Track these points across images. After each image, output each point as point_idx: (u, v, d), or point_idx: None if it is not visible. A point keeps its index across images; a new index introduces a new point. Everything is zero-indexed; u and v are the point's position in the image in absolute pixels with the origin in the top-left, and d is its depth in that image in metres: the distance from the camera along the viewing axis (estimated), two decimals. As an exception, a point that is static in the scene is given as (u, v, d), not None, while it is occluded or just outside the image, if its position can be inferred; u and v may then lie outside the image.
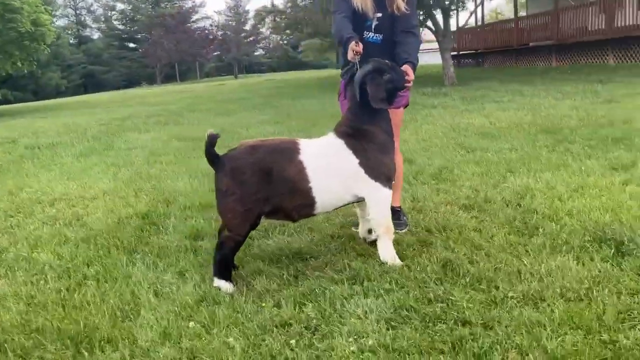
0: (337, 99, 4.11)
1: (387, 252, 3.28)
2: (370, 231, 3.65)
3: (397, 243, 3.47)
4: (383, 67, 3.26)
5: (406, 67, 3.43)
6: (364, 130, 3.27)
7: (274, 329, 2.64)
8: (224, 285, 3.13)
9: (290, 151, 3.22)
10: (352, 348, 2.38)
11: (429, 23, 15.80)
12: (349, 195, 3.30)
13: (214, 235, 4.00)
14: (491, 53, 25.00)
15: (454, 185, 4.92)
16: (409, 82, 3.40)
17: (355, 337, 2.48)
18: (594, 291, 2.70)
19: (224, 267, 3.16)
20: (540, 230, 3.58)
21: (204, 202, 4.88)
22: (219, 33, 60.05)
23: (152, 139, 9.19)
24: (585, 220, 3.66)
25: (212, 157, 3.16)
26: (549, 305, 2.62)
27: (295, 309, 2.79)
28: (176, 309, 2.91)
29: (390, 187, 3.30)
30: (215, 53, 61.32)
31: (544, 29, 20.83)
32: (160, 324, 2.76)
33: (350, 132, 3.28)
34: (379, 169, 3.26)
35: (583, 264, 3.01)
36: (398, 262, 3.25)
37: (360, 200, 3.39)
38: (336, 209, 3.46)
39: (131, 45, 64.78)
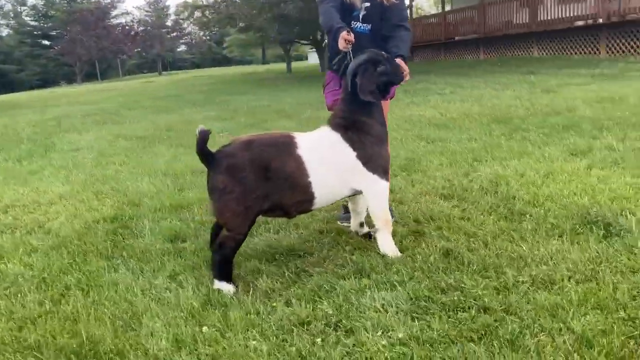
0: (322, 91, 4.05)
1: (387, 244, 3.26)
2: (362, 224, 3.63)
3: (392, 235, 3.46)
4: (378, 59, 3.23)
5: (399, 61, 3.41)
6: (360, 122, 3.23)
7: (293, 328, 2.56)
8: (226, 287, 3.01)
9: (287, 145, 3.14)
10: (382, 342, 2.34)
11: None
12: (347, 189, 3.26)
13: (196, 236, 3.87)
14: (420, 47, 25.59)
15: (425, 176, 4.98)
16: (405, 75, 3.38)
17: (382, 330, 2.45)
18: (599, 272, 2.79)
19: (225, 268, 3.04)
20: (527, 216, 3.68)
21: (174, 202, 4.69)
22: (140, 29, 58.18)
23: (96, 139, 8.76)
24: (566, 204, 3.79)
25: (206, 155, 3.03)
26: (560, 287, 2.68)
27: (309, 307, 2.72)
28: (182, 314, 2.77)
29: (387, 179, 3.29)
30: (137, 50, 59.34)
31: (471, 23, 21.56)
32: (170, 331, 2.62)
33: (346, 124, 3.23)
34: (377, 161, 3.23)
35: (580, 246, 3.11)
36: (398, 254, 3.24)
37: (357, 194, 3.36)
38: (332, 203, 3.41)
39: (45, 42, 61.47)
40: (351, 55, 3.31)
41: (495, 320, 2.44)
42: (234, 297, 2.91)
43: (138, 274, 3.33)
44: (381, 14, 3.62)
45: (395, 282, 2.88)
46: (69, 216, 4.60)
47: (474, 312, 2.54)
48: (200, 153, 3.01)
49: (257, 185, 3.01)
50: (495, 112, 7.87)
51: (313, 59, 45.60)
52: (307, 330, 2.54)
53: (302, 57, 62.88)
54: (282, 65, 36.60)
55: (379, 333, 2.42)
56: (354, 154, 3.18)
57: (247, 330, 2.58)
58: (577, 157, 5.14)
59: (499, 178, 4.60)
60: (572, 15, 16.20)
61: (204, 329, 2.61)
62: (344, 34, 3.29)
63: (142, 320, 2.76)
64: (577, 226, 3.39)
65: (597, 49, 15.42)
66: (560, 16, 16.63)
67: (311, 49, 28.51)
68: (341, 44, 3.30)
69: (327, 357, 2.31)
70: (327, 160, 3.15)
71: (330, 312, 2.65)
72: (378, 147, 3.25)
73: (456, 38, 22.89)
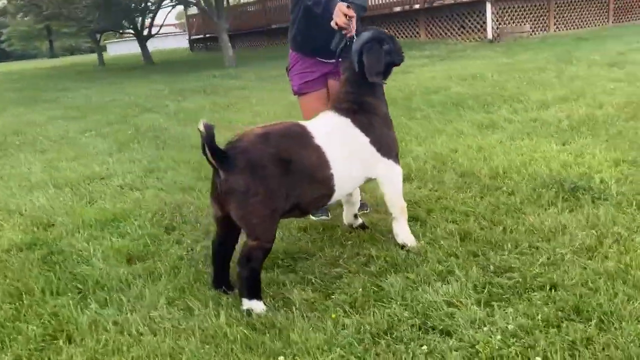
0: (287, 74, 3.69)
1: (406, 233, 3.09)
2: (356, 216, 3.39)
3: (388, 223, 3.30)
4: (382, 37, 3.00)
5: (340, 5, 2.99)
6: (367, 104, 2.99)
7: (380, 340, 2.27)
8: (257, 306, 2.59)
9: (303, 136, 2.79)
10: (497, 337, 2.17)
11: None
12: (362, 179, 3.01)
13: (155, 253, 3.31)
14: (241, 35, 25.26)
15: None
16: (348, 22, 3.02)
17: (481, 324, 2.28)
18: (622, 236, 2.91)
19: (255, 284, 2.61)
20: (504, 189, 3.75)
21: (100, 217, 3.96)
22: None
23: None
24: (531, 174, 3.94)
25: (218, 153, 2.55)
26: (602, 253, 2.74)
27: (378, 313, 2.44)
28: (236, 346, 2.30)
29: (399, 164, 3.09)
30: None
31: (286, 11, 21.73)
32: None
33: (354, 108, 2.96)
34: (390, 145, 3.03)
35: (580, 212, 3.23)
36: (415, 242, 3.08)
37: (367, 182, 3.12)
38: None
39: None
40: (353, 34, 3.02)
41: (579, 296, 2.41)
42: (279, 317, 2.49)
43: (124, 308, 2.72)
44: None
45: (444, 273, 2.72)
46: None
47: (547, 291, 2.48)
48: (211, 151, 2.53)
49: (280, 183, 2.62)
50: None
51: (113, 50, 42.71)
52: (396, 338, 2.27)
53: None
54: (80, 58, 33.74)
55: (485, 328, 2.24)
56: (367, 139, 2.93)
57: (330, 352, 2.22)
58: (487, 130, 5.42)
59: (439, 156, 4.65)
60: (392, 0, 17.21)
61: (280, 359, 2.19)
62: (342, 7, 2.98)
63: (182, 362, 2.24)
64: (560, 194, 3.52)
65: (418, 33, 16.60)
66: (382, 1, 17.56)
67: (118, 39, 26.61)
68: (341, 20, 2.99)
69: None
70: (343, 149, 2.85)
71: (407, 314, 2.41)
72: (387, 129, 3.04)
73: (274, 26, 22.97)
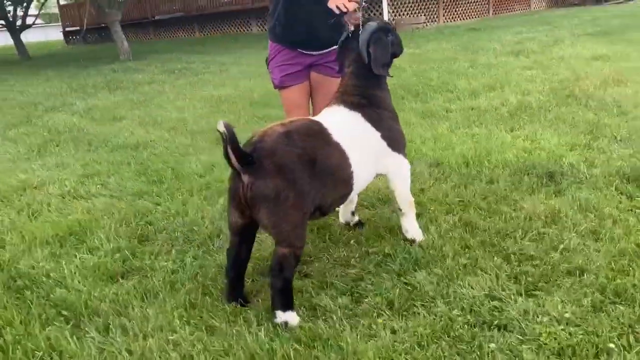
0: (267, 66, 3.49)
1: (415, 229, 3.03)
2: (353, 213, 3.29)
3: (387, 219, 3.24)
4: (387, 27, 2.91)
5: None
6: (376, 97, 2.89)
7: (435, 341, 2.20)
8: (292, 317, 2.41)
9: (323, 133, 2.64)
10: (560, 327, 2.18)
11: None
12: (373, 175, 2.91)
13: (140, 269, 3.03)
14: (126, 26, 23.89)
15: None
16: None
17: (536, 315, 2.28)
18: (619, 218, 3.05)
19: (289, 295, 2.43)
20: (482, 178, 3.81)
21: (56, 232, 3.52)
22: None
23: None
24: (500, 161, 4.05)
25: (244, 156, 2.34)
26: (611, 237, 2.85)
27: (421, 313, 2.36)
28: (291, 364, 2.12)
29: (407, 158, 3.02)
30: None
31: (172, 0, 21.01)
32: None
33: (363, 102, 2.85)
34: (398, 139, 2.95)
35: (570, 198, 3.35)
36: (422, 236, 3.03)
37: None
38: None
39: None
40: (360, 22, 2.89)
41: (608, 278, 2.49)
42: (322, 326, 2.34)
43: (130, 333, 2.43)
44: None
45: (469, 266, 2.70)
46: None
47: (577, 276, 2.54)
48: (236, 153, 2.30)
49: (308, 184, 2.45)
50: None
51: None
52: (456, 338, 2.21)
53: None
54: None
55: (540, 319, 2.24)
56: (378, 134, 2.84)
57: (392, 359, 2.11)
58: (432, 120, 5.52)
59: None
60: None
61: (350, 373, 2.05)
62: None
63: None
64: (543, 180, 3.64)
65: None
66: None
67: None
68: (351, 5, 2.85)
69: (520, 355, 2.05)
70: (358, 145, 2.73)
71: (456, 312, 2.35)
72: (395, 123, 2.96)
73: (156, 17, 22.03)
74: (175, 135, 5.82)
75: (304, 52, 3.36)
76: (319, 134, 2.61)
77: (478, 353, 2.10)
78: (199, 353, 2.25)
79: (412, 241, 2.98)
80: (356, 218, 3.29)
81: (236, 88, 8.33)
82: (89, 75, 11.11)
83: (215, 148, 5.20)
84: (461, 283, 2.55)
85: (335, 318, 2.39)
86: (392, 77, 2.97)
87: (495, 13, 18.29)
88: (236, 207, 2.45)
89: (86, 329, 2.51)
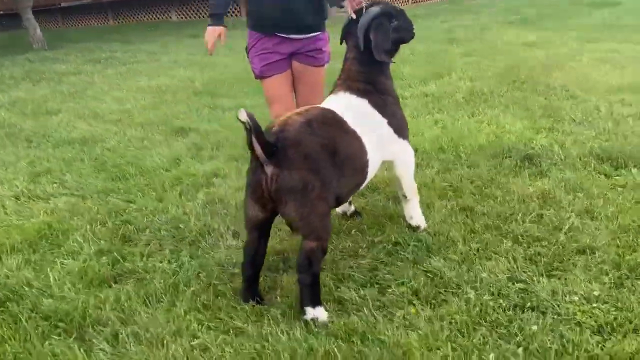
0: (246, 55, 3.33)
1: (419, 216, 3.01)
2: (350, 202, 3.23)
3: (381, 206, 3.21)
4: (392, 12, 2.84)
5: None
6: (380, 83, 2.83)
7: (476, 328, 2.19)
8: (321, 313, 2.33)
9: (339, 122, 2.56)
10: (593, 305, 2.24)
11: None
12: (380, 162, 2.85)
13: (132, 272, 2.85)
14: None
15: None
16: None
17: (565, 295, 2.33)
18: (607, 197, 3.18)
19: (318, 290, 2.34)
20: (462, 163, 3.86)
21: (24, 237, 3.22)
22: None
23: None
24: (473, 146, 4.12)
25: (269, 146, 2.22)
26: (606, 215, 2.97)
27: (452, 301, 2.35)
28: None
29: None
30: None
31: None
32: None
33: (368, 89, 2.78)
34: (403, 125, 2.92)
35: (554, 179, 3.46)
36: (425, 223, 3.03)
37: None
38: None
39: None
40: (364, 7, 2.81)
41: (619, 255, 2.59)
42: (356, 319, 2.27)
43: (143, 339, 2.26)
44: None
45: (482, 250, 2.73)
46: None
47: (588, 254, 2.62)
48: (261, 144, 2.18)
49: (331, 175, 2.37)
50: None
51: None
52: (494, 323, 2.21)
53: None
54: None
55: (570, 298, 2.29)
56: (385, 121, 2.79)
57: (439, 349, 2.08)
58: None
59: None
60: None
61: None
62: None
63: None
64: (518, 162, 3.74)
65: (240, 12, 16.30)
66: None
67: None
68: None
69: (563, 335, 2.08)
70: (368, 132, 2.67)
71: (487, 297, 2.36)
72: (399, 109, 2.92)
73: (63, 4, 20.78)
74: (123, 128, 5.48)
75: (284, 36, 3.20)
76: (336, 122, 2.52)
77: (521, 336, 2.11)
78: (233, 357, 2.12)
79: (417, 228, 2.97)
80: (352, 207, 3.23)
81: (173, 78, 7.99)
82: (3, 66, 10.27)
83: (172, 140, 4.96)
84: (480, 268, 2.56)
85: (365, 310, 2.33)
86: (394, 62, 2.92)
87: (415, 2, 18.68)
88: (257, 200, 2.32)
89: (93, 340, 2.31)
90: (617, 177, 3.42)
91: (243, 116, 2.13)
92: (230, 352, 2.14)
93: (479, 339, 2.11)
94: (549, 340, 2.06)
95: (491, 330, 2.17)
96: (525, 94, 5.52)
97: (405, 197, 2.96)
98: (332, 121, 2.51)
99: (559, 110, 4.85)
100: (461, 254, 2.70)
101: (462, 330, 2.17)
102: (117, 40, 13.24)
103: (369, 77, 2.79)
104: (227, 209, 3.44)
